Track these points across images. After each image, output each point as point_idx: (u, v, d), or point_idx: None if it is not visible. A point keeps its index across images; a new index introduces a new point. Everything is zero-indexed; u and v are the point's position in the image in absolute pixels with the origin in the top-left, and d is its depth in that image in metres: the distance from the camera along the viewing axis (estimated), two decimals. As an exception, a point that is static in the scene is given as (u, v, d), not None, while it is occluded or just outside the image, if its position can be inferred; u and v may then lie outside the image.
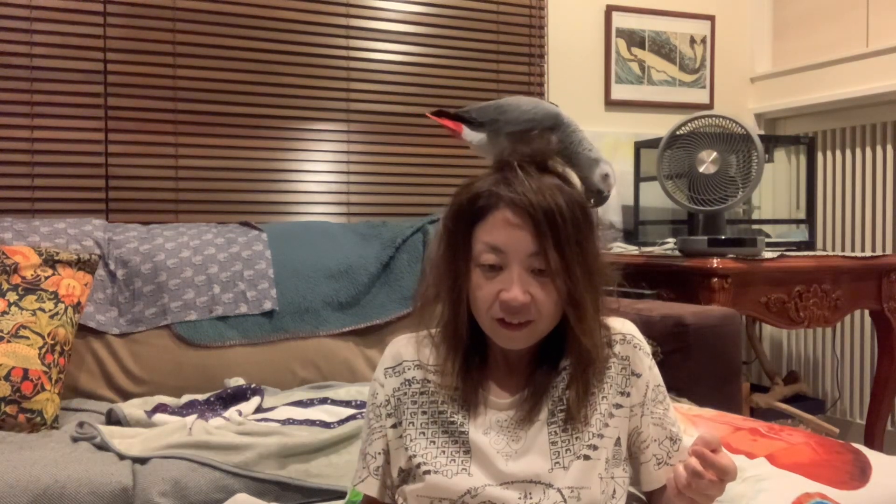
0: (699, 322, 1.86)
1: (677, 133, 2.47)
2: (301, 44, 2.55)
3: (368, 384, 1.12)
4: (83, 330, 1.91)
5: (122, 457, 1.43)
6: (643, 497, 1.07)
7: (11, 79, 2.23)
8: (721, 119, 2.42)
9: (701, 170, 2.40)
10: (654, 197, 2.86)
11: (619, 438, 0.99)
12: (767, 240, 2.79)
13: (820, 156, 3.08)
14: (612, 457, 0.98)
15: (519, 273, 0.94)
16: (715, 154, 2.38)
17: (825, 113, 3.07)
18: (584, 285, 0.95)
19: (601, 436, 0.97)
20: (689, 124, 2.46)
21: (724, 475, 0.90)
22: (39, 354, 1.66)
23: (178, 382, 1.96)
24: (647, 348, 1.04)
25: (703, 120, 2.44)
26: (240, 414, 1.69)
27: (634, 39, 3.08)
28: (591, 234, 0.98)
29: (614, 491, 0.98)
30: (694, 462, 0.91)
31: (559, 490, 0.94)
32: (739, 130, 2.38)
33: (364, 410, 1.52)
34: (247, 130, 2.49)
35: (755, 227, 3.07)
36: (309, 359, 2.08)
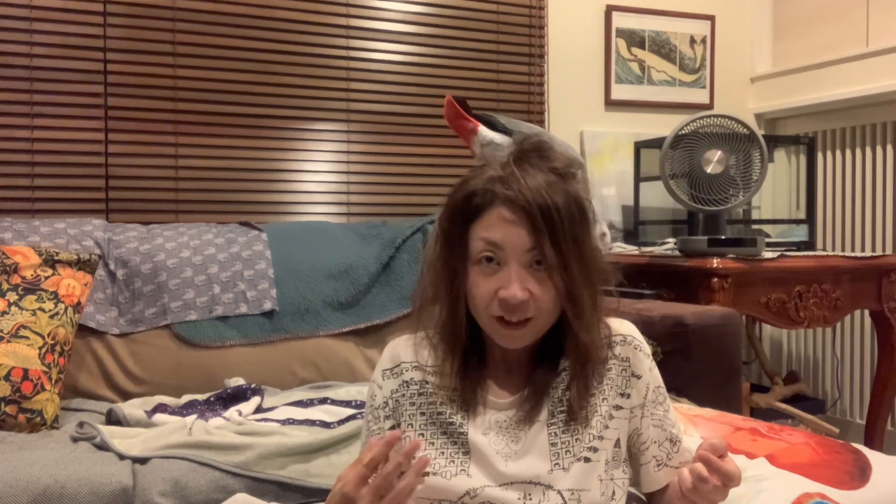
0: (699, 322, 1.86)
1: (681, 132, 2.46)
2: (301, 44, 2.55)
3: (368, 384, 1.12)
4: (83, 330, 1.91)
5: (122, 457, 1.43)
6: (643, 498, 1.07)
7: (11, 79, 2.23)
8: (725, 119, 2.41)
9: (708, 170, 2.38)
10: (654, 197, 2.86)
11: (618, 440, 0.99)
12: (767, 240, 2.78)
13: (820, 156, 3.07)
14: (612, 458, 0.98)
15: (517, 270, 0.94)
16: (720, 154, 2.37)
17: (825, 113, 3.07)
18: (582, 281, 0.95)
19: (601, 437, 0.97)
20: (694, 123, 2.45)
21: (729, 481, 0.90)
22: (39, 354, 1.66)
23: (178, 382, 1.96)
24: (648, 349, 1.04)
25: (707, 119, 2.43)
26: (240, 414, 1.69)
27: (634, 39, 3.08)
28: (588, 231, 0.97)
29: (614, 493, 0.97)
30: (700, 467, 0.91)
31: (559, 492, 0.94)
32: (743, 130, 2.38)
33: (364, 410, 1.52)
34: (247, 130, 2.49)
35: (755, 227, 3.07)
36: (309, 359, 2.08)
